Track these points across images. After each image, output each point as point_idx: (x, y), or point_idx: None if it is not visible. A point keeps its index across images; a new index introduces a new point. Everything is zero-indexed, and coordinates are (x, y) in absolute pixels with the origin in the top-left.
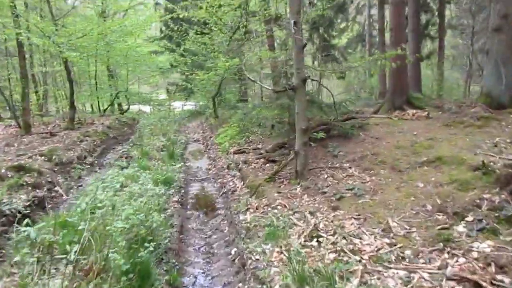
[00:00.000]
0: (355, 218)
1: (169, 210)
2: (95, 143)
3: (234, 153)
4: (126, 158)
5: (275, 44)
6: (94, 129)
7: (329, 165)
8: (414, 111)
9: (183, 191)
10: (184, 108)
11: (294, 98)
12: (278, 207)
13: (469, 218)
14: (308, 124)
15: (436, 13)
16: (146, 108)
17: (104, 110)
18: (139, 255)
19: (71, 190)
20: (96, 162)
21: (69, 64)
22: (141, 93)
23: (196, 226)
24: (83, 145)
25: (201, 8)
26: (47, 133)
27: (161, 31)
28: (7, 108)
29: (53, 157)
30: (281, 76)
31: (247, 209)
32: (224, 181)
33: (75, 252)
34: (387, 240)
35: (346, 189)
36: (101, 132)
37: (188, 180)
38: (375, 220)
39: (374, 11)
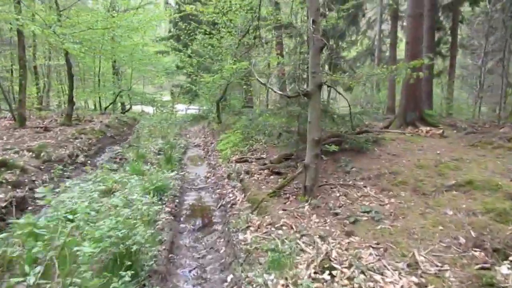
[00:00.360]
0: (373, 248)
1: (159, 223)
2: (90, 141)
3: (236, 161)
4: (120, 159)
5: (284, 53)
6: (91, 126)
7: (341, 182)
8: (428, 128)
9: (177, 200)
10: (188, 112)
11: (306, 105)
12: (283, 227)
13: None
14: (320, 135)
15: (449, 32)
16: (149, 109)
17: (105, 108)
18: (112, 286)
19: (57, 191)
20: (89, 161)
21: (73, 58)
22: (145, 93)
23: (189, 243)
24: (76, 143)
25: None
26: (42, 127)
27: (170, 31)
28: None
29: (42, 153)
30: (294, 81)
31: (248, 227)
32: (224, 192)
33: (37, 273)
34: (414, 279)
35: (361, 212)
36: (98, 131)
37: (184, 188)
38: (397, 251)
39: (385, 26)
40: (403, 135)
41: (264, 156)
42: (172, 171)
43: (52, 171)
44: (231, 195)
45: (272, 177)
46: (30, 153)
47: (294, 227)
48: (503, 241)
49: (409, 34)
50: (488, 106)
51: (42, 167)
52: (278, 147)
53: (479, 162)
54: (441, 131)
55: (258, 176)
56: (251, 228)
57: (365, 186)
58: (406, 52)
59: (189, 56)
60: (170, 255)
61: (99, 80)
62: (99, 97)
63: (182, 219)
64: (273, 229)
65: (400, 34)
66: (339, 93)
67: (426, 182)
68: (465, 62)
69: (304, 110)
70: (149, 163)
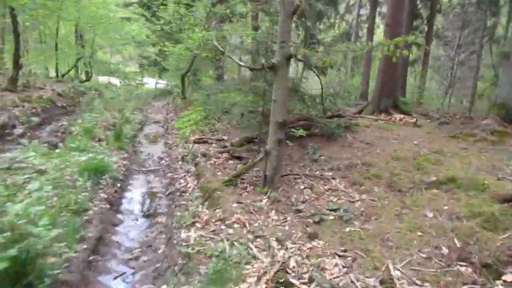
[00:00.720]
0: (340, 256)
1: (90, 212)
2: (34, 111)
3: (194, 142)
4: (62, 133)
5: (260, 31)
6: (40, 94)
7: (307, 172)
8: (402, 116)
9: (119, 185)
10: (157, 86)
11: (272, 81)
12: (235, 225)
13: (509, 277)
14: (286, 117)
15: (426, 21)
16: (117, 81)
17: (62, 76)
18: None
19: None
20: (28, 134)
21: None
22: (110, 63)
23: (122, 240)
24: (16, 111)
25: None
26: None
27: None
28: None
29: None
30: (260, 54)
31: (194, 223)
32: (175, 176)
33: None
34: None
35: (328, 209)
36: (46, 99)
37: (131, 170)
38: (368, 262)
39: (363, 11)
40: (376, 122)
41: (225, 137)
42: (121, 149)
43: None
44: (182, 181)
45: (231, 162)
46: None
47: (248, 225)
48: (494, 254)
49: (390, 16)
50: (456, 97)
51: None
52: (241, 129)
53: (462, 156)
54: (414, 119)
55: (215, 160)
56: (198, 225)
57: (333, 178)
58: (385, 35)
59: (154, 24)
60: (93, 257)
61: (56, 44)
62: (56, 63)
63: (120, 207)
64: (223, 226)
65: (378, 20)
66: (313, 71)
67: (403, 177)
68: (438, 52)
69: (270, 87)
70: (96, 139)
